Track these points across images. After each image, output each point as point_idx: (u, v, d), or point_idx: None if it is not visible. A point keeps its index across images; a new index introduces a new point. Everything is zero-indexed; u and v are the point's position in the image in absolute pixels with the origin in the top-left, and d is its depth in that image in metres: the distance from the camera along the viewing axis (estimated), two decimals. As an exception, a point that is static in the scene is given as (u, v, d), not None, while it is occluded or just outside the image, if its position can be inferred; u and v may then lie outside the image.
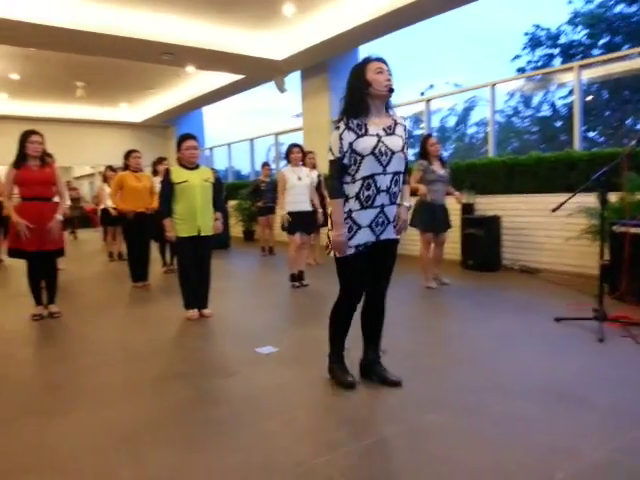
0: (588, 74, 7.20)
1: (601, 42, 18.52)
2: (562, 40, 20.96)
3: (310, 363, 3.05)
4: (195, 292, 4.35)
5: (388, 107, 2.67)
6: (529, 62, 22.14)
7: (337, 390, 2.69)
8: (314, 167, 6.71)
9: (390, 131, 2.59)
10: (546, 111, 21.20)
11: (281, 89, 10.43)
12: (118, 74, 11.45)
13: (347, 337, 2.79)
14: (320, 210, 5.87)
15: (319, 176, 6.53)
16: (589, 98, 12.60)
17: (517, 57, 22.43)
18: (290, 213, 5.43)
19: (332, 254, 2.66)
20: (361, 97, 2.56)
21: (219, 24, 8.55)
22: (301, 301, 4.90)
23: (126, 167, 6.04)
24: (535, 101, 21.74)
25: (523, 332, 3.69)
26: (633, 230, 4.44)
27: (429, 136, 5.45)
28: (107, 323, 4.38)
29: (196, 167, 4.31)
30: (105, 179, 8.91)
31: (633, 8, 17.24)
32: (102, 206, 8.61)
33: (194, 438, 2.20)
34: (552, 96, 20.66)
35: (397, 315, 4.36)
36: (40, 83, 11.95)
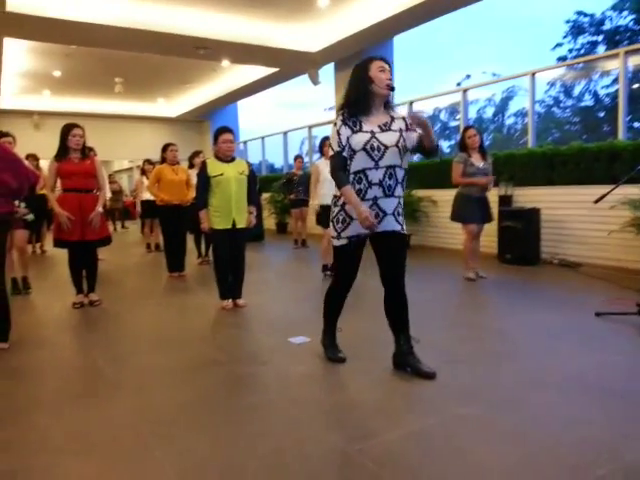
0: (635, 61, 6.90)
1: (649, 27, 17.79)
2: (606, 26, 20.15)
3: (344, 354, 3.05)
4: (230, 283, 4.41)
5: (388, 106, 2.75)
6: (571, 50, 21.43)
7: (371, 381, 2.68)
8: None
9: (385, 127, 2.67)
10: (588, 101, 20.49)
11: (315, 81, 10.42)
12: (155, 70, 11.67)
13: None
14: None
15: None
16: (635, 86, 12.07)
17: (558, 45, 21.74)
18: (322, 206, 5.43)
19: (332, 244, 2.83)
20: (363, 93, 2.65)
21: (254, 17, 8.59)
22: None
23: (163, 160, 6.18)
24: (577, 91, 21.04)
25: (562, 327, 3.58)
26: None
27: (468, 127, 5.35)
28: (145, 311, 4.50)
29: (232, 160, 4.36)
30: (143, 172, 9.12)
31: (684, -9, 16.48)
32: (140, 199, 8.83)
33: (227, 423, 2.24)
34: (595, 85, 19.95)
35: (434, 309, 4.31)
36: (80, 79, 12.31)
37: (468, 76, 27.72)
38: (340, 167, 2.67)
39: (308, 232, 8.93)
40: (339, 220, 2.75)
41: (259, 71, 11.60)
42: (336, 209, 2.79)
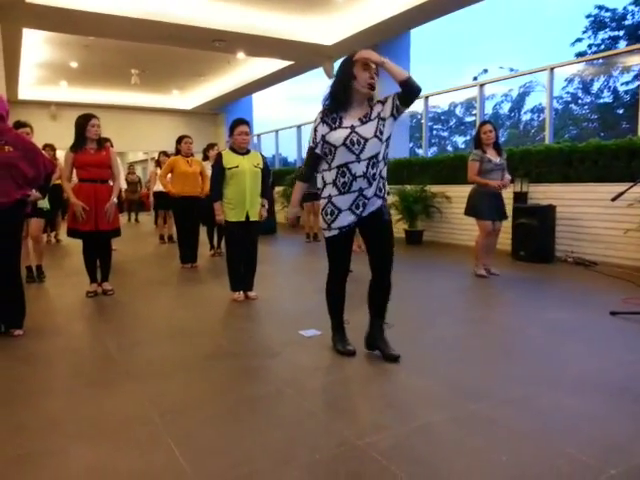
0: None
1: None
2: (628, 21, 19.78)
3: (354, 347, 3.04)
4: (241, 275, 4.42)
5: (371, 100, 2.75)
6: (590, 46, 21.08)
7: (381, 374, 2.68)
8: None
9: (366, 119, 2.70)
10: (607, 97, 20.15)
11: (330, 75, 10.38)
12: (171, 61, 11.72)
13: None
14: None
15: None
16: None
17: (578, 40, 21.40)
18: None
19: (324, 235, 2.88)
20: (344, 89, 2.68)
21: (269, 10, 8.57)
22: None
23: (178, 152, 6.21)
24: (595, 87, 20.71)
25: (576, 325, 3.54)
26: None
27: (485, 123, 5.27)
28: (157, 301, 4.53)
29: (247, 152, 4.35)
30: (158, 164, 9.17)
31: None
32: (154, 190, 8.89)
33: (237, 414, 2.25)
34: (614, 81, 19.62)
35: (445, 304, 4.29)
36: (97, 71, 12.40)
37: (485, 70, 27.45)
38: (310, 162, 2.82)
39: (320, 226, 8.91)
40: (327, 212, 2.80)
41: (274, 64, 11.59)
42: (323, 201, 2.82)
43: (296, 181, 2.96)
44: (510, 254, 6.46)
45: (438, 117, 30.50)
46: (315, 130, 2.74)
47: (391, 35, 9.17)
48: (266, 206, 4.48)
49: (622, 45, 19.53)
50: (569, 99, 21.74)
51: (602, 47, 20.24)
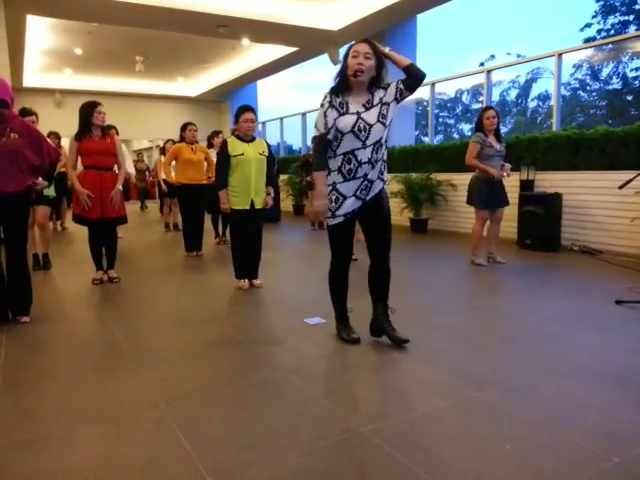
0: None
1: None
2: (639, 5, 19.46)
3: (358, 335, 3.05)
4: (246, 263, 4.43)
5: (376, 86, 2.74)
6: (600, 31, 20.75)
7: (385, 362, 2.69)
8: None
9: (369, 105, 2.72)
10: (616, 84, 19.89)
11: (335, 61, 10.29)
12: (175, 48, 11.64)
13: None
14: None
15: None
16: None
17: (587, 26, 21.08)
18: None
19: (325, 224, 2.88)
20: (342, 77, 2.71)
21: (274, -5, 8.47)
22: (349, 275, 4.88)
23: (182, 139, 6.20)
24: (604, 73, 20.43)
25: (581, 314, 3.53)
26: None
27: (487, 108, 5.20)
28: (162, 289, 4.55)
29: (252, 140, 4.33)
30: (163, 152, 9.15)
31: None
32: (159, 178, 8.88)
33: (243, 401, 2.26)
34: (624, 68, 19.34)
35: (449, 293, 4.29)
36: (101, 57, 12.34)
37: (492, 57, 27.11)
38: (323, 149, 2.74)
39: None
40: (332, 200, 2.78)
41: (278, 50, 11.50)
42: (327, 189, 2.79)
43: (317, 172, 2.78)
44: (516, 242, 6.44)
45: (444, 104, 30.24)
46: (325, 115, 2.69)
47: (397, 21, 9.06)
48: (272, 194, 4.47)
49: (632, 30, 19.23)
50: (577, 85, 21.48)
51: (612, 32, 19.93)
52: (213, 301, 4.09)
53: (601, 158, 5.97)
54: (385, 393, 2.34)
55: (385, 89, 2.75)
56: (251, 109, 4.32)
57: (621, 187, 3.74)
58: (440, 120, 30.07)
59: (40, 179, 3.53)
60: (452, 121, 31.72)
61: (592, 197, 6.01)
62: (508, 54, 27.42)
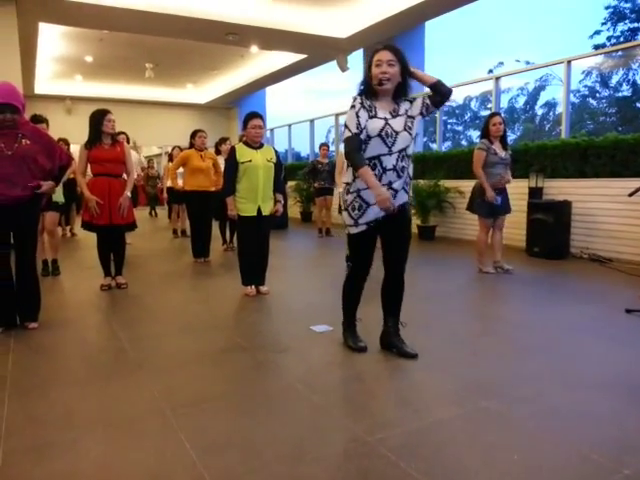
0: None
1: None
2: (649, 13, 19.37)
3: (365, 343, 3.04)
4: (253, 269, 4.43)
5: (403, 95, 2.73)
6: (609, 38, 20.66)
7: (392, 370, 2.67)
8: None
9: (395, 113, 2.71)
10: (626, 91, 19.77)
11: (343, 68, 10.33)
12: (185, 55, 11.75)
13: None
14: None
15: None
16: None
17: (597, 33, 21.00)
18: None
19: (346, 231, 2.86)
20: (367, 83, 2.70)
21: (283, 3, 8.54)
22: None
23: (191, 146, 6.23)
24: (614, 80, 20.33)
25: (590, 323, 3.49)
26: None
27: (494, 115, 5.16)
28: (169, 295, 4.56)
29: (260, 146, 4.34)
30: (171, 158, 9.21)
31: None
32: (164, 185, 8.92)
33: (249, 408, 2.26)
34: (634, 75, 19.24)
35: (457, 301, 4.26)
36: (112, 65, 12.48)
37: (501, 63, 27.05)
38: (357, 149, 2.66)
39: (332, 221, 8.90)
40: (355, 207, 2.74)
41: (287, 58, 11.56)
42: (350, 196, 2.77)
43: (360, 169, 2.61)
44: (524, 250, 6.39)
45: (453, 111, 30.23)
46: (357, 116, 2.64)
47: (406, 27, 9.08)
48: (282, 201, 4.47)
49: (642, 37, 19.14)
50: (586, 93, 21.39)
51: (621, 39, 19.84)
52: (220, 308, 4.10)
53: (610, 165, 5.93)
54: (392, 402, 2.32)
55: (411, 102, 2.75)
56: (259, 116, 4.34)
57: (631, 195, 3.71)
58: (448, 127, 30.06)
59: (42, 182, 3.54)
60: (460, 128, 31.69)
61: (601, 205, 5.97)
62: (517, 61, 27.38)
